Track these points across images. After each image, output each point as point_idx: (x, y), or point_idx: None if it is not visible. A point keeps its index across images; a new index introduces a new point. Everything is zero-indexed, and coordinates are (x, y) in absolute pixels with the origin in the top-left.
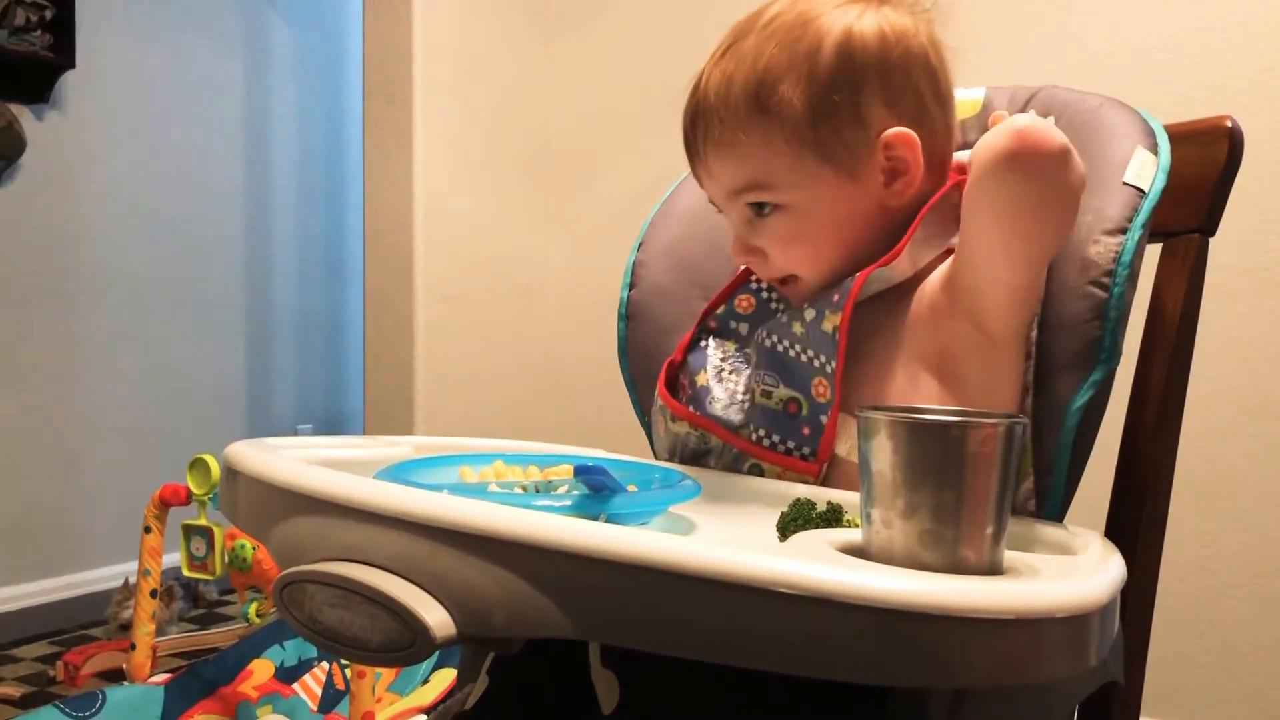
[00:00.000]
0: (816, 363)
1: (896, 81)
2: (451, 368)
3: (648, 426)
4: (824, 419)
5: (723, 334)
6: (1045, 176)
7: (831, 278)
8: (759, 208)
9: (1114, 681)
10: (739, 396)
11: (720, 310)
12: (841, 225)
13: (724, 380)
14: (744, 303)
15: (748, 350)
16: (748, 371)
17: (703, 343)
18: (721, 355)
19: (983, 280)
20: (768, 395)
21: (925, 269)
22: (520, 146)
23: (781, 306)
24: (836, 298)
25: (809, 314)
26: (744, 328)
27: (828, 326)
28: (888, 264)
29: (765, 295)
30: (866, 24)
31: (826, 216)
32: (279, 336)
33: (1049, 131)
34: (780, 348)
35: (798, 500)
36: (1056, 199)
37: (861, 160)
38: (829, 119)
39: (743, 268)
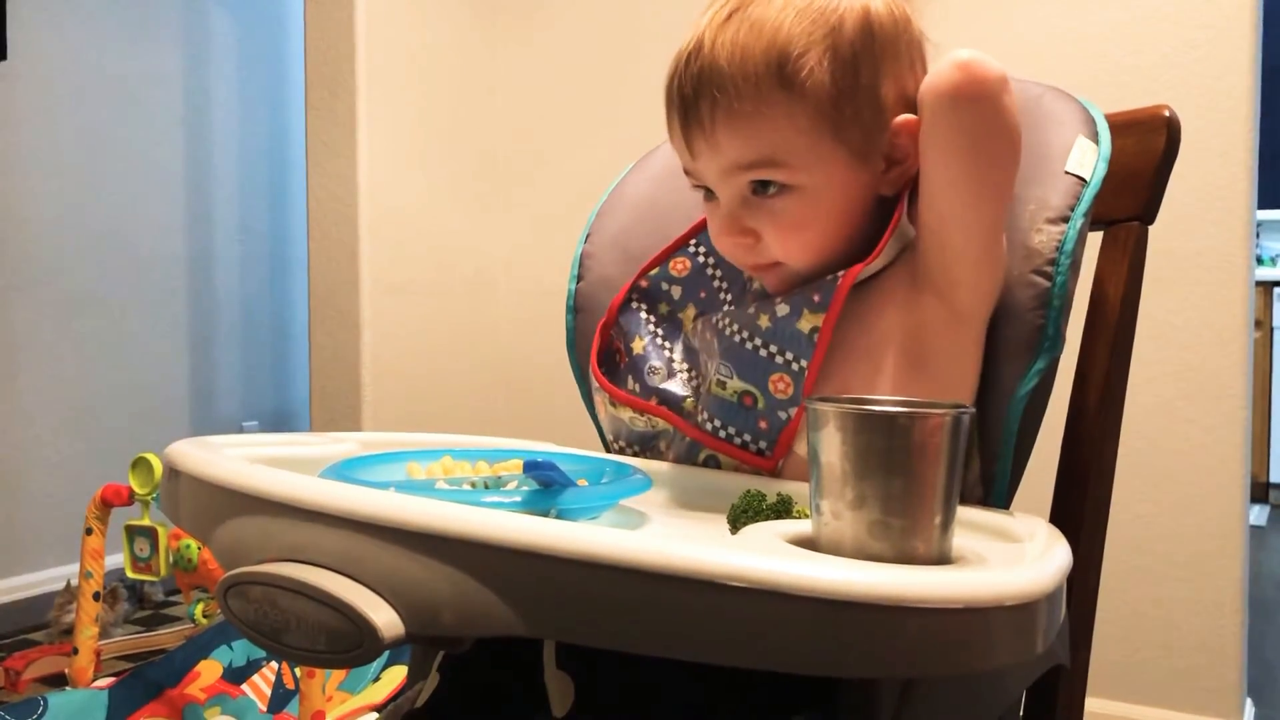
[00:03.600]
0: (780, 359)
1: (904, 65)
2: (399, 362)
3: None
4: (783, 415)
5: (654, 296)
6: (992, 104)
7: (817, 268)
8: (763, 186)
9: (1060, 665)
10: (677, 366)
11: (654, 272)
12: (844, 212)
13: (660, 347)
14: (679, 265)
15: (681, 315)
16: (681, 338)
17: (634, 304)
18: (655, 319)
19: (947, 231)
20: (722, 385)
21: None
22: (466, 137)
23: (719, 274)
24: (818, 298)
25: (781, 309)
26: (677, 290)
27: (804, 326)
28: (870, 262)
29: (702, 260)
30: (880, 4)
31: (835, 202)
32: (223, 332)
33: (988, 61)
34: (738, 338)
35: (748, 492)
36: (1006, 126)
37: (872, 144)
38: (852, 99)
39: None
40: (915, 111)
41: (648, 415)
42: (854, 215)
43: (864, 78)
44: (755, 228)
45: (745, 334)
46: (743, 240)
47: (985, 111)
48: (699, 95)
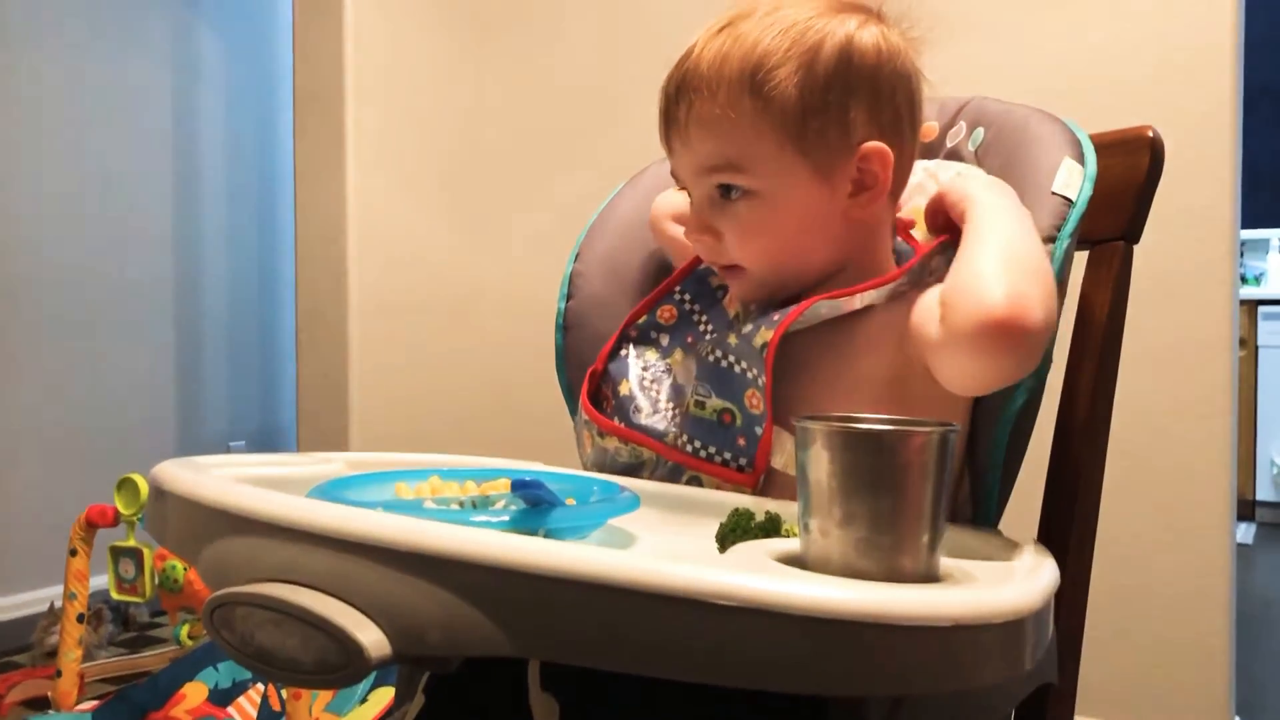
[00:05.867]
0: (749, 374)
1: (883, 96)
2: (387, 381)
3: None
4: (758, 430)
5: (643, 343)
6: (1022, 357)
7: (776, 277)
8: (726, 190)
9: (1048, 683)
10: (662, 405)
11: (642, 320)
12: (803, 225)
13: (647, 389)
14: (666, 313)
15: (669, 360)
16: (669, 381)
17: (623, 351)
18: (643, 365)
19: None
20: (701, 405)
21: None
22: (455, 154)
23: (704, 319)
24: (777, 317)
25: (746, 327)
26: (664, 338)
27: (758, 342)
28: (838, 299)
29: (688, 307)
30: (866, 36)
31: (792, 212)
32: (210, 351)
33: (1028, 315)
34: (713, 358)
35: (736, 511)
36: (1026, 366)
37: (838, 164)
38: (818, 116)
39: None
40: (892, 146)
41: (631, 445)
42: (815, 231)
43: (833, 99)
44: (718, 228)
45: (719, 353)
46: (705, 238)
47: (1011, 364)
48: (679, 95)
